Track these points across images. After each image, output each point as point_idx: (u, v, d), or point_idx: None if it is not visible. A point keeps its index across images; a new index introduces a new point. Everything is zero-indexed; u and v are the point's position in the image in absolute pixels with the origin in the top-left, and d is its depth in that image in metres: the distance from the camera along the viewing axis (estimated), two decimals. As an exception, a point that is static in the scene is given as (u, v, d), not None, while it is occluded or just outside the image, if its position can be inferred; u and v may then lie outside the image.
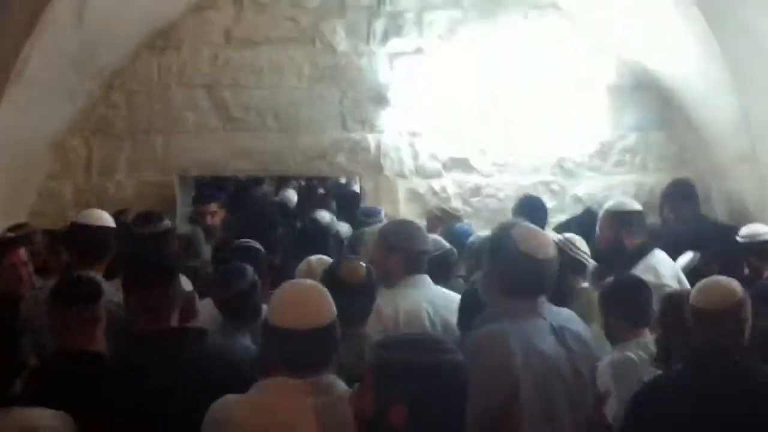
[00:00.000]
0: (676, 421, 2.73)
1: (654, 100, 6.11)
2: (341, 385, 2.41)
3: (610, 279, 3.87)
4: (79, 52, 5.14)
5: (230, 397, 2.42)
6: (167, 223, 4.32)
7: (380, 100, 6.02)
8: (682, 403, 2.76)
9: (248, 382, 2.47)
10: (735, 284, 2.90)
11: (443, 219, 5.60)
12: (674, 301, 3.29)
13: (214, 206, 5.54)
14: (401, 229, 3.71)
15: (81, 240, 3.84)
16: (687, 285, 4.18)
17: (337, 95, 6.05)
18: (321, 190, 7.93)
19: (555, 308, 2.80)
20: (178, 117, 5.99)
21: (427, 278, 3.63)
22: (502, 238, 2.72)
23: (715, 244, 4.66)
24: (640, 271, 4.12)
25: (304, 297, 2.48)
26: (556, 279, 2.77)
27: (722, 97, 5.33)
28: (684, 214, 5.25)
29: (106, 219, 3.94)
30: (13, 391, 2.64)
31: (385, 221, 5.32)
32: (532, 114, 6.02)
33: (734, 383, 2.74)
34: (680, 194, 5.34)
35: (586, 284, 4.15)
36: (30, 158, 5.56)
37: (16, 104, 4.71)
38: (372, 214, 5.42)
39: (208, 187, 6.11)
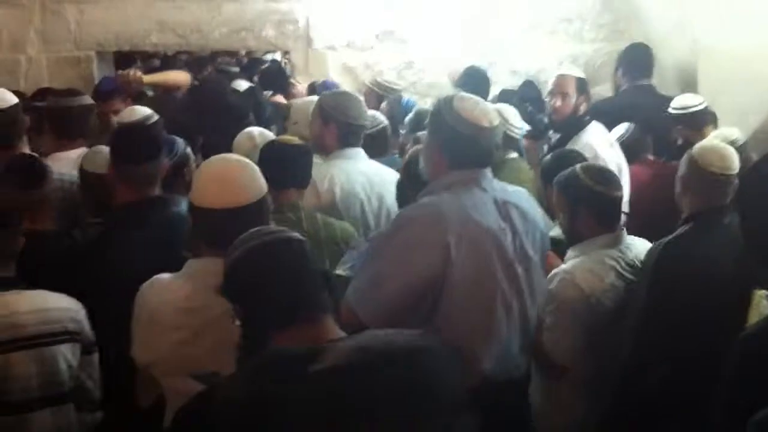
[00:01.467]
0: (686, 282, 2.89)
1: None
2: None
3: (549, 154, 3.88)
4: None
5: (159, 277, 2.38)
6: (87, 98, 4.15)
7: (308, -33, 5.72)
8: (694, 262, 2.95)
9: None
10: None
11: (380, 93, 5.45)
12: None
13: (117, 103, 4.73)
14: (338, 101, 3.60)
15: None
16: (621, 156, 4.24)
17: (263, -38, 5.72)
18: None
19: (504, 185, 2.72)
20: (91, -14, 5.58)
21: (361, 151, 3.57)
22: (443, 108, 2.59)
23: (650, 115, 4.67)
24: (579, 144, 4.14)
25: (226, 174, 2.37)
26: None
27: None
28: (637, 81, 5.16)
29: (9, 98, 3.72)
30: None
31: None
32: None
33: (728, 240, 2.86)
34: (637, 60, 5.24)
35: (514, 154, 4.14)
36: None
37: None
38: (329, 88, 5.18)
39: (108, 81, 5.15)
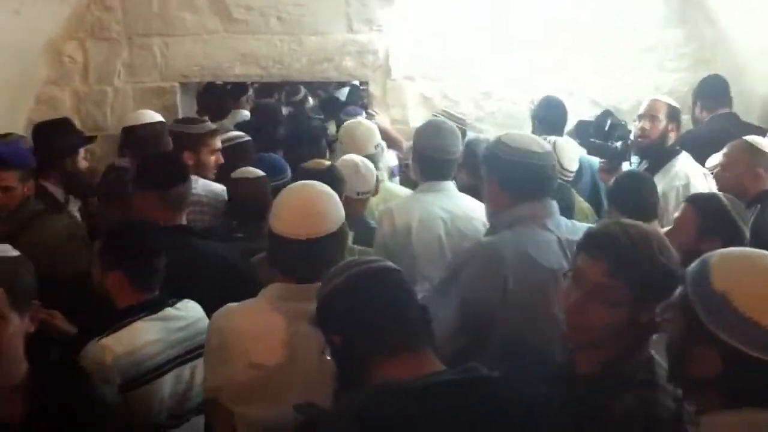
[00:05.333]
0: None
1: (672, -5, 5.82)
2: None
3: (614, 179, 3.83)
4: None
5: (230, 305, 2.37)
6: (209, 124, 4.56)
7: (387, -1, 5.75)
8: None
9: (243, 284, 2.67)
10: None
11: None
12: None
13: (8, 176, 3.66)
14: (424, 132, 3.57)
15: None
16: (714, 189, 4.11)
17: (343, -6, 5.77)
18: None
19: (575, 223, 2.69)
20: (177, 19, 5.71)
21: (449, 185, 3.49)
22: (492, 145, 2.68)
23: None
24: (672, 172, 4.07)
25: (308, 203, 2.34)
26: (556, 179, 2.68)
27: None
28: (717, 112, 5.06)
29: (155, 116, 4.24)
30: None
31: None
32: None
33: None
34: (714, 91, 5.14)
35: None
36: (25, 64, 5.32)
37: (8, 5, 4.48)
38: (349, 113, 5.26)
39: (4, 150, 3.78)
